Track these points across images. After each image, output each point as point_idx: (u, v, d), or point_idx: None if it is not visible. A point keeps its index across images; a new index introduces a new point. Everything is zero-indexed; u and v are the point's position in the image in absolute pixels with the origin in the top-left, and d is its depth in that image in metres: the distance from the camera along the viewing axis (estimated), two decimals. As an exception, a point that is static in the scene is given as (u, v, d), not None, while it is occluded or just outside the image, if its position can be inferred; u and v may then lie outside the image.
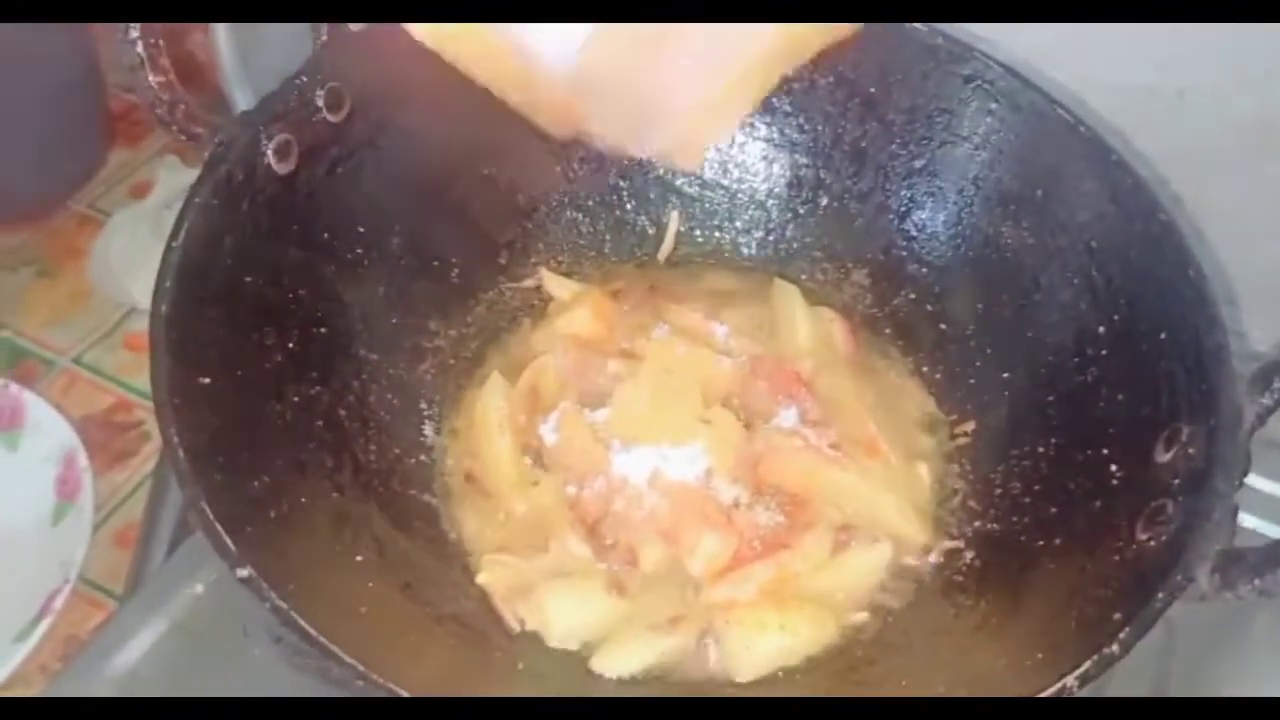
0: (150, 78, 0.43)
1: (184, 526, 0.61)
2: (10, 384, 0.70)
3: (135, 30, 0.42)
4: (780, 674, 0.47)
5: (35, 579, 0.63)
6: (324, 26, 0.51)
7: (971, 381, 0.55)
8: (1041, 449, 0.50)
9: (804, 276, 0.61)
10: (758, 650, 0.47)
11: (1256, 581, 0.36)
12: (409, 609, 0.46)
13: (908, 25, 0.55)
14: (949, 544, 0.51)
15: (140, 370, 0.75)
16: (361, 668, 0.36)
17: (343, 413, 0.51)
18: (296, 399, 0.48)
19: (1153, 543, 0.40)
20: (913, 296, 0.59)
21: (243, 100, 0.73)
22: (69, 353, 0.76)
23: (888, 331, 0.59)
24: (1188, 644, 0.52)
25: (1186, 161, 0.59)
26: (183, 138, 0.44)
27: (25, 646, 0.60)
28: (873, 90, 0.57)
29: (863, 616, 0.49)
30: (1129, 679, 0.51)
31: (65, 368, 0.75)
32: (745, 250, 0.62)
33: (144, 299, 0.75)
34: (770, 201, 0.62)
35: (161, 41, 0.43)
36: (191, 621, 0.54)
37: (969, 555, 0.50)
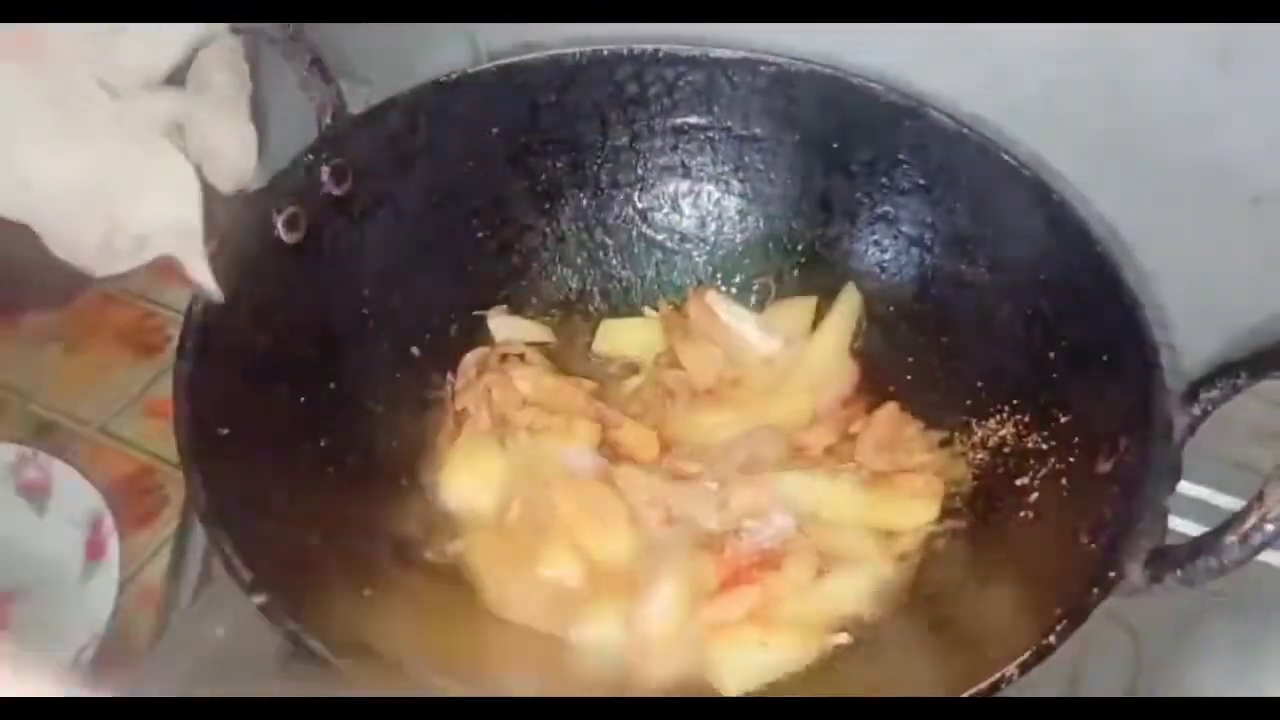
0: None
1: (204, 581, 0.65)
2: (39, 453, 0.73)
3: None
4: (765, 688, 0.50)
5: (66, 636, 0.67)
6: (327, 107, 0.56)
7: (938, 404, 0.59)
8: (1001, 469, 0.54)
9: (779, 318, 0.65)
10: (742, 666, 0.50)
11: (1179, 573, 0.40)
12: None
13: (865, 84, 0.60)
14: (922, 558, 0.54)
15: (160, 436, 0.79)
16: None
17: (351, 461, 0.55)
18: (308, 447, 0.52)
19: (1093, 545, 0.44)
20: (881, 332, 0.62)
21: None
22: (93, 422, 0.79)
23: (860, 365, 0.63)
24: (1152, 653, 0.56)
25: (1143, 204, 0.63)
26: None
27: (57, 699, 0.63)
28: (835, 145, 0.61)
29: (843, 636, 0.52)
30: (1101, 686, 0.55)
31: (91, 436, 0.79)
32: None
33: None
34: (748, 251, 0.66)
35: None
36: (212, 665, 0.57)
37: (938, 571, 0.53)
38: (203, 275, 0.46)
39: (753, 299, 0.66)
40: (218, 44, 0.48)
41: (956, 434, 0.58)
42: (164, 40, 0.46)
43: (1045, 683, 0.55)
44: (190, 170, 0.45)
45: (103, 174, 0.43)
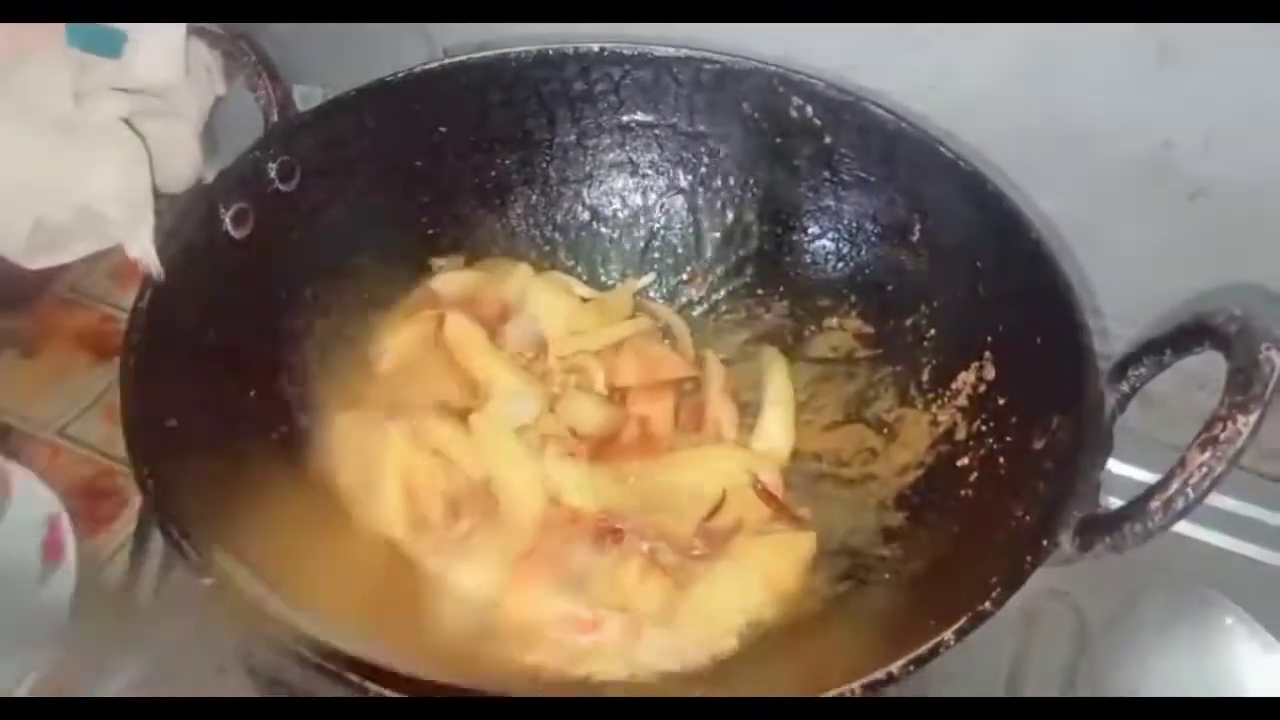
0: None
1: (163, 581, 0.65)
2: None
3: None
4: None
5: (23, 637, 0.67)
6: (274, 105, 0.56)
7: (881, 391, 0.60)
8: (943, 450, 0.55)
9: (727, 312, 0.66)
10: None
11: (1107, 539, 0.41)
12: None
13: (806, 80, 0.61)
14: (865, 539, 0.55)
15: (119, 440, 0.79)
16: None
17: (305, 451, 0.55)
18: (260, 440, 0.53)
19: (1027, 518, 0.45)
20: (829, 324, 0.63)
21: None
22: (52, 426, 0.79)
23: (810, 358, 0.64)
24: (1096, 630, 0.57)
25: (1081, 200, 0.65)
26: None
27: (14, 700, 0.63)
28: (778, 140, 0.63)
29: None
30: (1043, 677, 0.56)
31: (49, 440, 0.79)
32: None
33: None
34: (696, 245, 0.67)
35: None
36: (168, 660, 0.58)
37: (881, 550, 0.54)
38: (146, 251, 0.46)
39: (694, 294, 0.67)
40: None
41: (900, 420, 0.59)
42: (172, 55, 0.47)
43: (992, 659, 0.57)
44: (140, 144, 0.45)
45: (43, 161, 0.44)
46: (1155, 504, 0.40)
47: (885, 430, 0.59)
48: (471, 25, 0.73)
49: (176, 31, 0.47)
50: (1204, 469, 0.39)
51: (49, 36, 0.43)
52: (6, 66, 0.42)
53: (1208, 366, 0.46)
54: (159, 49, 0.47)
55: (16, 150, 0.44)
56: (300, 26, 0.66)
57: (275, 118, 0.56)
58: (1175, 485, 0.40)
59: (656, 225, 0.67)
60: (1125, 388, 0.46)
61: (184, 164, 0.50)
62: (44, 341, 0.84)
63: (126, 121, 0.46)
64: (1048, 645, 0.57)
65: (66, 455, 0.78)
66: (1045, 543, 0.42)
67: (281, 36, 0.62)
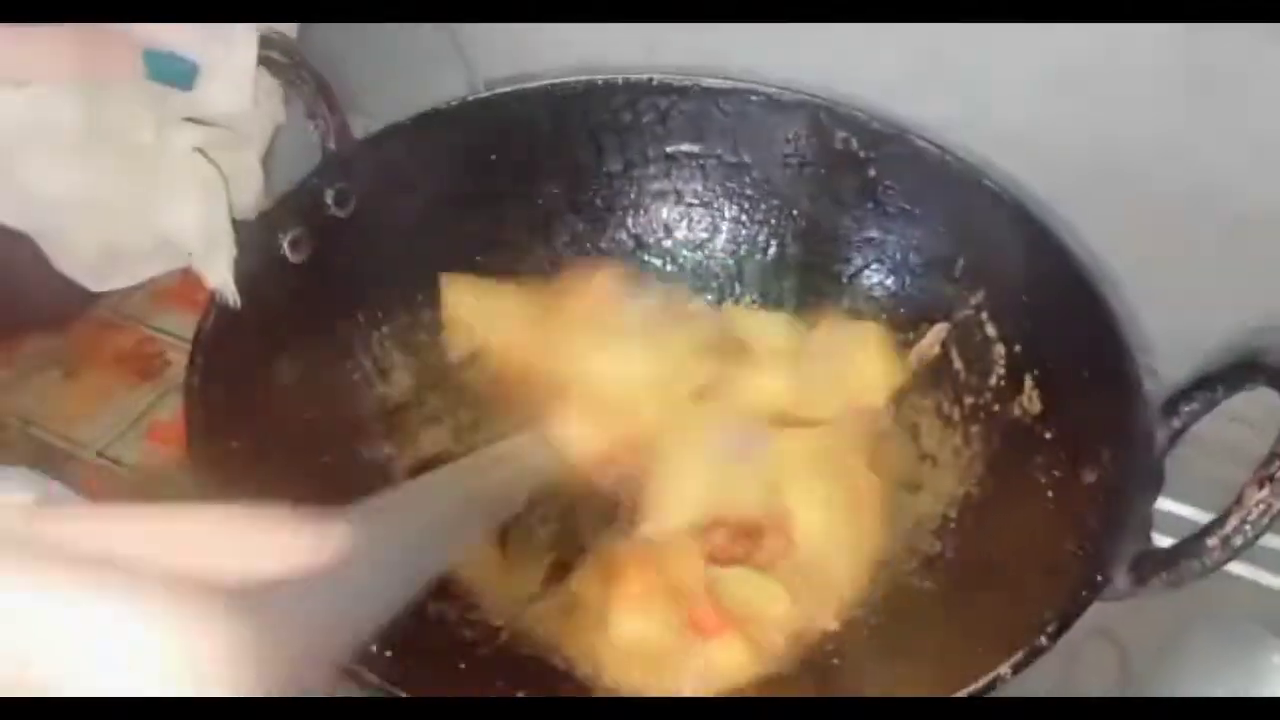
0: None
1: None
2: (37, 474, 0.74)
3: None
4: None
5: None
6: (331, 133, 0.57)
7: (927, 422, 0.61)
8: (989, 480, 0.55)
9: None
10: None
11: (1164, 575, 0.41)
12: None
13: (850, 113, 0.62)
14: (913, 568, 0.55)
15: (159, 459, 0.80)
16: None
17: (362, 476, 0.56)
18: (321, 459, 0.54)
19: (1079, 552, 0.45)
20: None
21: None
22: (94, 446, 0.80)
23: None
24: (1139, 667, 0.57)
25: (1124, 231, 0.65)
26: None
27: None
28: (822, 171, 0.63)
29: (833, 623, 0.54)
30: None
31: (90, 460, 0.79)
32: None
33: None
34: (739, 275, 0.68)
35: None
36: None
37: (929, 582, 0.54)
38: (225, 280, 0.47)
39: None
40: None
41: (943, 449, 0.59)
42: (243, 87, 0.49)
43: (1034, 694, 0.56)
44: (218, 176, 0.47)
45: (119, 190, 0.45)
46: (1213, 540, 0.40)
47: (928, 459, 0.59)
48: (511, 57, 0.74)
49: (247, 62, 0.48)
50: (1261, 505, 0.40)
51: (128, 64, 0.44)
52: (88, 93, 0.43)
53: (1249, 403, 0.46)
54: (230, 80, 0.48)
55: (93, 176, 0.45)
56: (342, 56, 0.68)
57: (332, 144, 0.57)
58: (1233, 522, 0.40)
59: (700, 253, 0.68)
60: (1177, 423, 0.47)
61: (249, 191, 0.51)
62: (84, 362, 0.85)
63: (200, 152, 0.47)
64: (1090, 682, 0.57)
65: (108, 475, 0.79)
66: (1099, 577, 0.42)
67: (322, 67, 0.64)
